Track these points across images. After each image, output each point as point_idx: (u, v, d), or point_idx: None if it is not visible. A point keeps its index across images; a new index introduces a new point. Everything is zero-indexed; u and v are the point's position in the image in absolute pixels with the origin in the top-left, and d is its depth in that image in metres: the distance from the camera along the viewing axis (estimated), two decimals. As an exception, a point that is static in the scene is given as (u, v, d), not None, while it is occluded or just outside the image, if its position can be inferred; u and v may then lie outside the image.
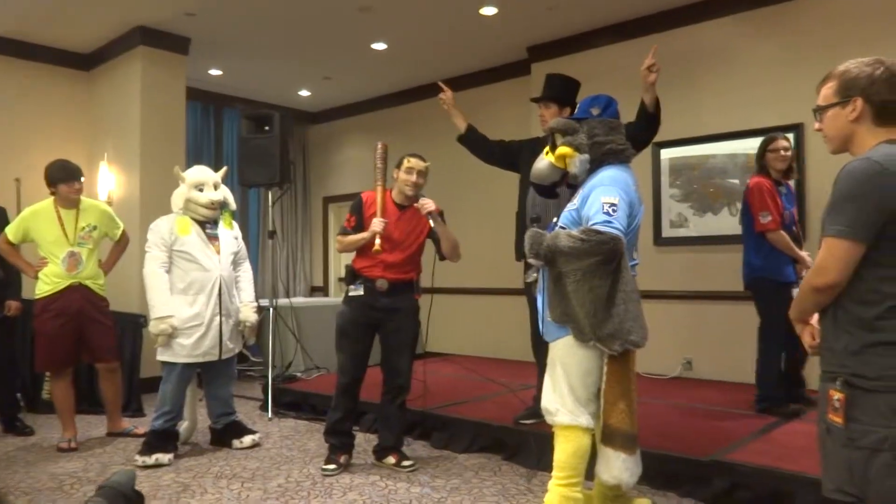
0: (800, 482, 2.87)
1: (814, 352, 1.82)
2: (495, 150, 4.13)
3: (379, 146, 3.79)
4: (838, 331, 1.70)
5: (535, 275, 2.82)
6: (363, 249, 3.66)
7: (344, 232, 3.74)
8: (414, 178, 3.65)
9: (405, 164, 3.68)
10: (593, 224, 2.52)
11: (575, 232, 2.55)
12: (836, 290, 1.69)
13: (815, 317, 1.82)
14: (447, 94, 4.09)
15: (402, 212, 3.71)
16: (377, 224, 3.56)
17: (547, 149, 2.87)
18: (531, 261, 2.69)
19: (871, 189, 1.62)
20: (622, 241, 2.51)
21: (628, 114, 3.20)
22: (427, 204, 3.60)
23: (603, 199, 2.56)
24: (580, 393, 2.67)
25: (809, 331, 1.84)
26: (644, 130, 3.33)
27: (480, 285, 6.91)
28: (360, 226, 3.67)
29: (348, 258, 3.85)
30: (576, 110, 2.90)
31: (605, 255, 2.47)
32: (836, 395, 1.66)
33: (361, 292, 3.67)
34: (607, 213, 2.52)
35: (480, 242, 6.75)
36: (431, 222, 3.62)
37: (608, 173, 2.68)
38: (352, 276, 3.72)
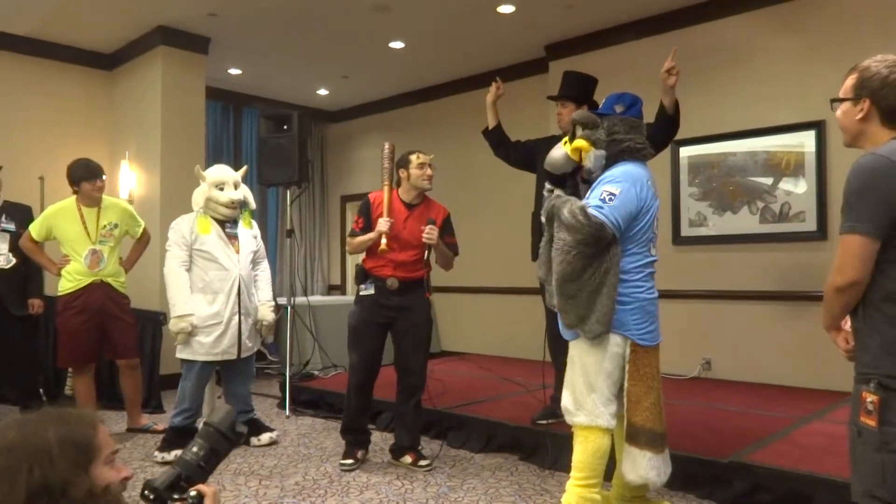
0: (820, 484, 2.83)
1: (849, 356, 1.79)
2: (512, 149, 4.12)
3: (386, 146, 3.83)
4: (870, 331, 1.67)
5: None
6: (372, 248, 3.68)
7: (352, 234, 3.77)
8: (430, 171, 3.70)
9: (415, 160, 3.69)
10: (586, 206, 2.60)
11: (575, 207, 2.61)
12: (858, 288, 1.66)
13: (848, 322, 1.79)
14: (497, 92, 4.04)
15: (409, 210, 3.72)
16: (383, 224, 3.58)
17: (566, 139, 2.87)
18: (542, 217, 2.81)
19: (879, 183, 1.60)
20: (605, 228, 2.54)
21: (647, 112, 3.17)
22: (431, 236, 3.59)
23: (604, 188, 2.63)
24: (600, 392, 2.66)
25: (843, 336, 1.81)
26: (663, 132, 3.29)
27: (496, 284, 6.90)
28: (368, 227, 3.69)
29: (359, 256, 3.87)
30: (601, 105, 2.89)
31: (586, 237, 2.55)
32: (870, 398, 1.63)
33: (372, 291, 3.69)
34: (602, 200, 2.59)
35: (496, 242, 6.75)
36: (426, 253, 3.65)
37: (622, 168, 2.70)
38: (362, 275, 3.74)
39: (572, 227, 2.56)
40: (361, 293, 3.73)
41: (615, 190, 2.60)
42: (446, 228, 3.80)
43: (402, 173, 3.73)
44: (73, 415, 1.19)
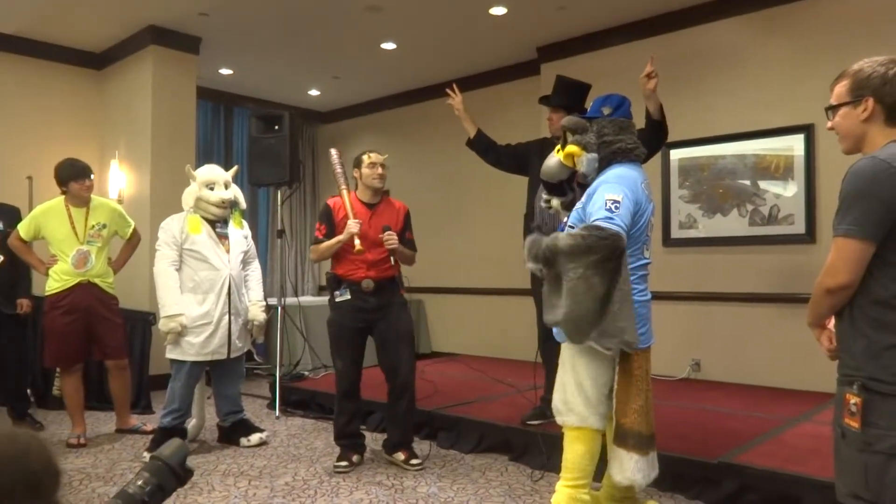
0: (808, 485, 2.85)
1: (832, 356, 1.80)
2: (503, 154, 4.12)
3: (333, 153, 3.93)
4: (855, 333, 1.68)
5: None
6: (341, 254, 3.69)
7: (316, 241, 3.77)
8: (380, 170, 3.74)
9: (366, 160, 3.75)
10: (594, 220, 2.52)
11: (575, 231, 2.54)
12: (848, 290, 1.67)
13: (832, 321, 1.81)
14: (456, 100, 4.08)
15: (371, 210, 3.75)
16: (353, 225, 3.60)
17: (558, 146, 2.88)
18: (529, 266, 2.69)
19: (878, 187, 1.61)
20: (622, 238, 2.49)
21: (638, 115, 3.18)
22: (391, 241, 3.62)
23: (606, 195, 2.56)
24: (590, 394, 2.67)
25: (827, 335, 1.82)
26: (652, 138, 3.30)
27: (488, 285, 6.90)
28: (332, 233, 3.71)
29: (326, 265, 3.88)
30: (588, 109, 2.90)
31: (606, 252, 2.45)
32: (853, 399, 1.64)
33: (348, 297, 3.69)
34: (609, 210, 2.51)
35: (488, 243, 6.76)
36: (392, 259, 3.67)
37: (616, 171, 2.68)
38: (335, 282, 3.75)
39: (585, 249, 2.44)
40: (337, 300, 3.73)
41: (618, 197, 2.54)
42: (407, 224, 3.84)
43: (356, 173, 3.79)
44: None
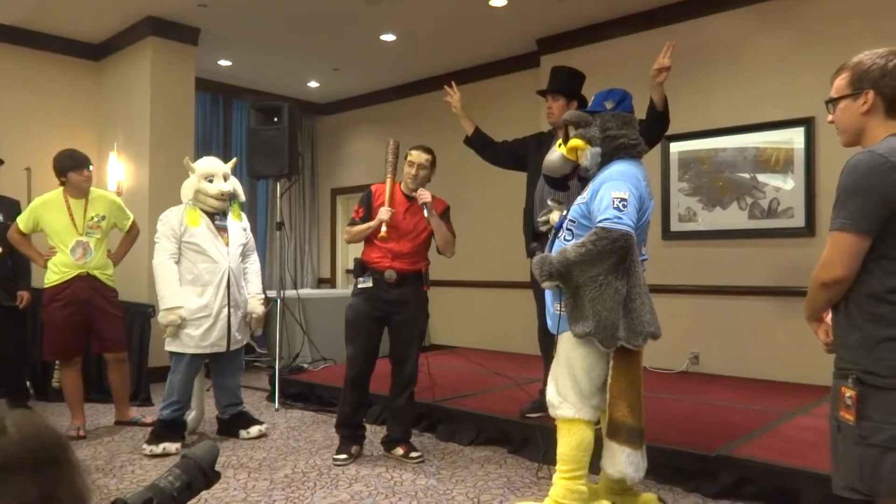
0: (806, 477, 2.86)
1: (829, 349, 1.81)
2: (500, 151, 4.12)
3: (391, 142, 3.90)
4: (850, 326, 1.69)
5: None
6: (371, 240, 3.69)
7: (352, 223, 3.79)
8: (414, 171, 3.71)
9: (407, 157, 3.74)
10: (602, 219, 2.51)
11: (582, 239, 2.54)
12: (843, 284, 1.67)
13: (829, 315, 1.81)
14: (454, 98, 4.08)
15: (410, 202, 3.74)
16: (384, 213, 3.61)
17: (560, 141, 2.87)
18: (546, 285, 2.67)
19: (875, 182, 1.61)
20: (633, 236, 2.51)
21: (637, 109, 3.17)
22: (423, 195, 3.64)
23: (613, 193, 2.55)
24: (584, 386, 2.67)
25: (824, 328, 1.83)
26: (653, 129, 3.29)
27: (487, 278, 6.91)
28: (369, 217, 3.71)
29: (357, 250, 3.87)
30: (589, 103, 2.89)
31: (620, 254, 2.48)
32: (848, 393, 1.64)
33: (370, 284, 3.68)
34: (617, 209, 2.51)
35: (488, 236, 6.75)
36: (425, 212, 3.67)
37: (618, 167, 2.67)
38: (360, 268, 3.75)
39: (598, 254, 2.47)
40: (360, 286, 3.73)
41: (624, 194, 2.54)
42: (444, 218, 3.80)
43: (403, 166, 3.78)
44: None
